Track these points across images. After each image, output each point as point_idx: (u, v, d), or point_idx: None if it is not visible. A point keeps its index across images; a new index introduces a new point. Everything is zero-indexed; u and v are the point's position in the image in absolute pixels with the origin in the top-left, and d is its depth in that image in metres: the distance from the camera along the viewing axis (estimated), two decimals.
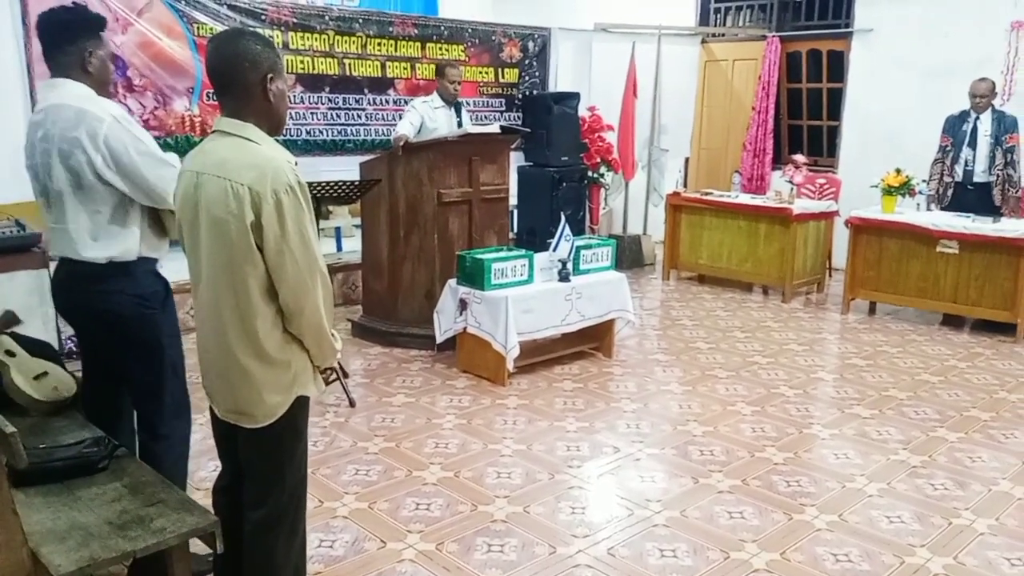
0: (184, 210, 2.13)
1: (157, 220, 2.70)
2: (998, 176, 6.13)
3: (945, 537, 3.18)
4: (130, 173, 2.55)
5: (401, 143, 5.24)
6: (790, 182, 7.13)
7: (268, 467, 2.24)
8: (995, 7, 7.06)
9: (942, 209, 6.29)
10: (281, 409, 2.16)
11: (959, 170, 6.24)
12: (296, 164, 2.09)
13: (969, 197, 6.21)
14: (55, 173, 2.56)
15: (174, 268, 2.83)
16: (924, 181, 6.35)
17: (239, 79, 2.06)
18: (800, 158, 7.33)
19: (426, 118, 5.65)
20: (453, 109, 5.82)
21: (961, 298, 5.97)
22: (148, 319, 2.68)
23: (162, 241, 2.77)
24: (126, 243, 2.62)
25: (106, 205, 2.58)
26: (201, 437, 3.89)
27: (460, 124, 5.81)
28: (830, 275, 7.46)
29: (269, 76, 2.07)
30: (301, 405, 2.22)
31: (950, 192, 6.31)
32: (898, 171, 6.27)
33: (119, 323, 2.64)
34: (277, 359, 2.12)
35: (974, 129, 6.13)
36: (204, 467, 3.63)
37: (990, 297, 5.85)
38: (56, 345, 4.17)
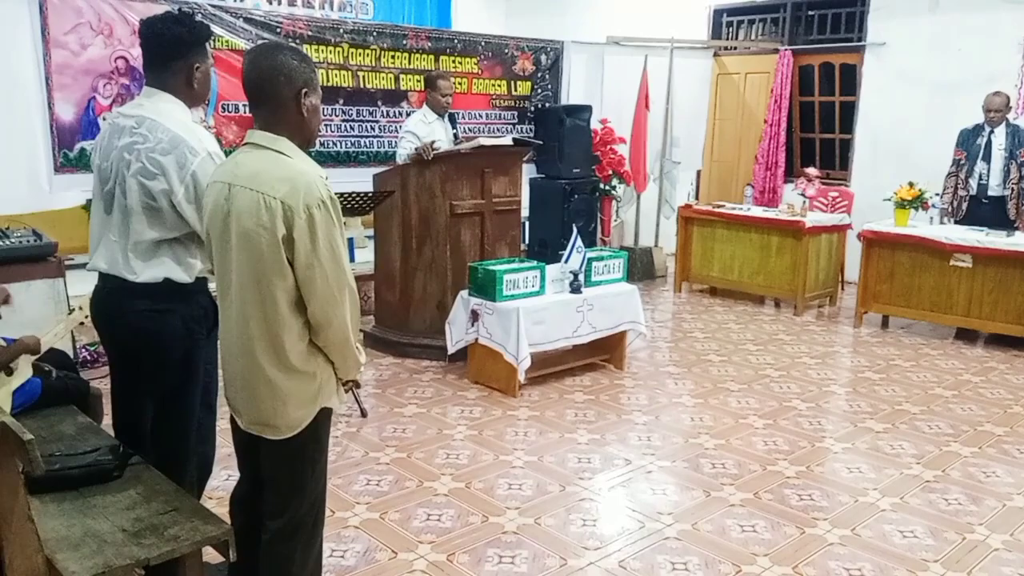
0: (213, 220, 2.13)
1: None
2: (1013, 190, 6.11)
3: (959, 552, 3.15)
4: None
5: (428, 152, 5.16)
6: (802, 195, 7.12)
7: (290, 478, 2.24)
8: (1007, 22, 7.04)
9: (956, 223, 6.27)
10: (305, 421, 2.17)
11: (973, 184, 6.22)
12: (327, 179, 2.10)
13: (984, 211, 6.19)
14: (130, 188, 2.46)
15: None
16: (937, 195, 6.34)
17: (274, 92, 2.07)
18: (812, 171, 7.33)
19: (424, 136, 5.46)
20: (447, 120, 5.73)
21: (975, 312, 5.94)
22: (193, 342, 2.57)
23: None
24: (186, 268, 2.53)
25: (175, 231, 2.49)
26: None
27: (456, 136, 5.74)
28: (842, 288, 7.43)
29: (304, 91, 2.09)
30: (324, 417, 2.23)
31: (964, 206, 6.28)
32: (911, 184, 6.26)
33: (161, 342, 2.52)
34: (302, 371, 2.13)
35: (988, 143, 6.12)
36: (216, 476, 3.63)
37: (1004, 311, 5.81)
38: (71, 354, 4.21)
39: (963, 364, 5.63)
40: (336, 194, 4.39)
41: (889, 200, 6.33)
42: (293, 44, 6.12)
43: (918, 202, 6.21)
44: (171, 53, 2.49)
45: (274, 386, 2.12)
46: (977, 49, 7.22)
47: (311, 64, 2.15)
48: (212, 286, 2.67)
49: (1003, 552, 3.16)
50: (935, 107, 7.46)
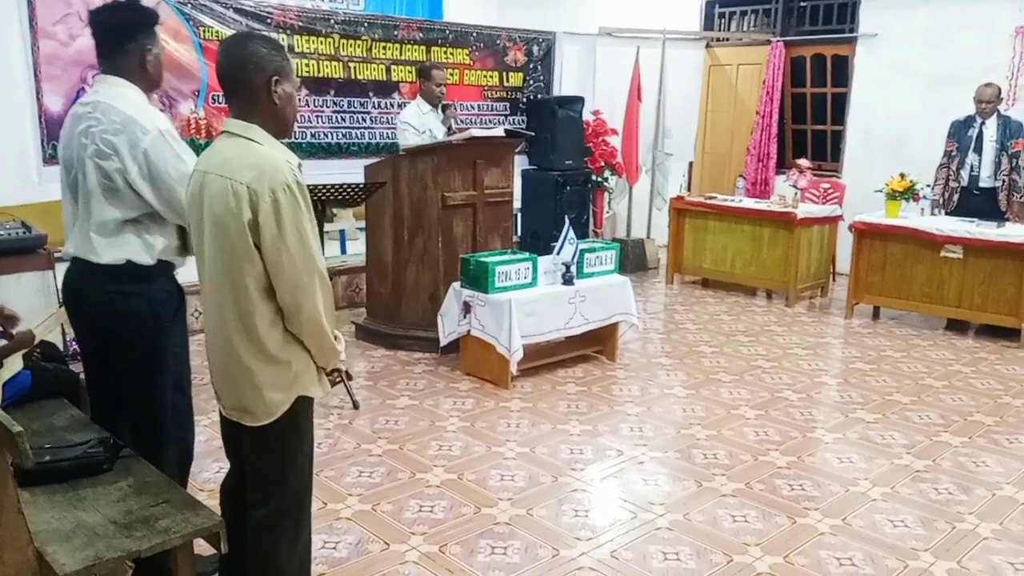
0: (192, 210, 2.16)
1: (183, 232, 2.66)
2: (1004, 181, 6.13)
3: (949, 541, 3.17)
4: (163, 190, 2.51)
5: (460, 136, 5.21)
6: (794, 186, 7.13)
7: (270, 466, 2.24)
8: (1000, 13, 7.05)
9: (947, 214, 6.28)
10: (282, 408, 2.17)
11: (964, 175, 6.23)
12: (299, 165, 2.11)
13: (975, 202, 6.21)
14: (88, 171, 2.53)
15: (181, 272, 2.82)
16: (928, 186, 6.35)
17: (245, 81, 2.09)
18: (804, 162, 7.34)
19: (420, 127, 5.51)
20: (441, 110, 5.75)
21: (965, 303, 5.97)
22: (159, 325, 2.63)
23: (185, 253, 2.73)
24: (148, 249, 2.58)
25: (133, 211, 2.54)
26: (205, 439, 3.91)
27: (450, 127, 5.75)
28: (834, 279, 7.46)
29: (274, 78, 2.10)
30: (304, 406, 2.22)
31: (955, 197, 6.29)
32: (903, 176, 6.28)
33: (128, 325, 2.59)
34: (278, 358, 2.13)
35: (979, 134, 6.13)
36: (208, 468, 3.64)
37: (994, 302, 5.84)
38: (60, 346, 4.19)
39: (953, 355, 5.65)
40: (328, 186, 4.37)
41: (880, 191, 6.35)
42: (282, 35, 6.13)
43: (909, 193, 6.23)
44: (123, 37, 2.55)
45: (251, 373, 2.13)
46: (969, 40, 7.23)
47: (283, 52, 2.16)
48: (179, 271, 2.74)
49: (992, 541, 3.18)
50: (927, 98, 7.47)
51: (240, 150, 2.08)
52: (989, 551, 3.11)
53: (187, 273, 2.64)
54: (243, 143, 2.09)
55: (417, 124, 5.49)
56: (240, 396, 2.17)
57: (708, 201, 7.36)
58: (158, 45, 2.63)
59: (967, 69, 6.99)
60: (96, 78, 2.65)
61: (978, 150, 6.14)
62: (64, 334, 4.47)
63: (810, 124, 8.81)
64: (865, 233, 6.36)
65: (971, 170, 6.20)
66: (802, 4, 8.67)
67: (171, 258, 2.67)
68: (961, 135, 6.22)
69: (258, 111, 2.11)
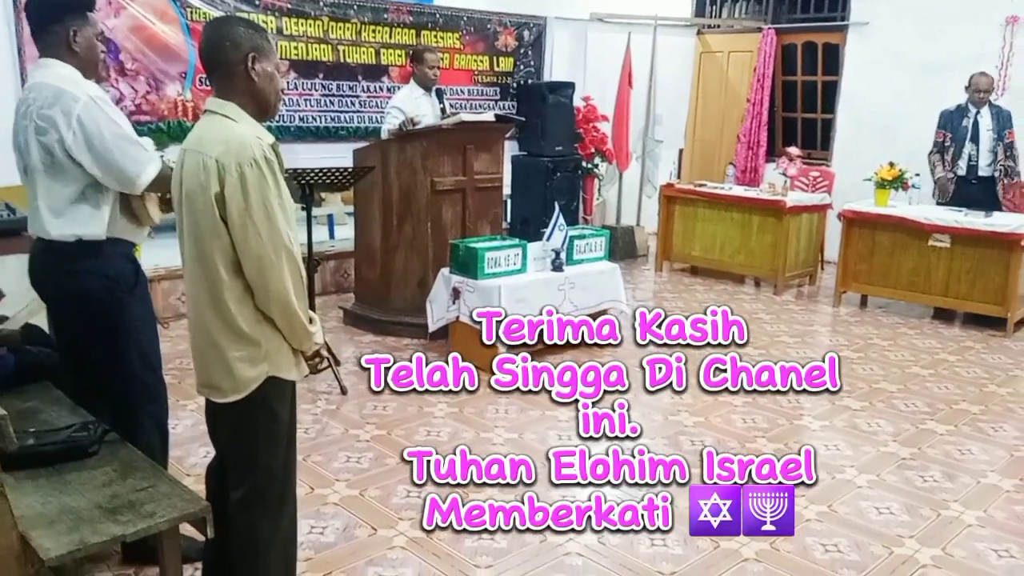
0: (174, 187, 2.17)
1: (131, 205, 2.68)
2: (1002, 170, 6.12)
3: (934, 528, 3.20)
4: (101, 154, 2.52)
5: (409, 125, 5.16)
6: (784, 174, 7.13)
7: (240, 446, 2.24)
8: (990, 2, 7.06)
9: (945, 204, 6.26)
10: (250, 385, 2.14)
11: (963, 165, 6.18)
12: (273, 143, 2.11)
13: (973, 191, 6.18)
14: (31, 150, 2.56)
15: (166, 255, 2.81)
16: (918, 175, 6.33)
17: (223, 60, 2.11)
18: (794, 151, 7.34)
19: (411, 111, 5.36)
20: (434, 95, 5.61)
21: (952, 292, 6.00)
22: (115, 301, 2.65)
23: (139, 227, 2.74)
24: (95, 223, 2.60)
25: (76, 184, 2.56)
26: (192, 423, 3.89)
27: (443, 111, 5.59)
28: (822, 268, 7.48)
29: (252, 56, 2.11)
30: (276, 386, 2.19)
31: (951, 187, 6.26)
32: (891, 165, 6.29)
33: (86, 303, 2.62)
34: (249, 336, 2.12)
35: (975, 124, 6.10)
36: (194, 453, 3.63)
37: (981, 291, 5.87)
38: (48, 328, 4.15)
39: (940, 343, 5.69)
40: (316, 170, 4.32)
41: (869, 180, 6.36)
42: (271, 17, 6.07)
43: (898, 182, 6.24)
44: (49, 19, 2.58)
45: (219, 348, 2.12)
46: (960, 29, 7.23)
47: (262, 32, 2.18)
48: (135, 248, 2.75)
49: (977, 528, 3.21)
50: (917, 87, 7.48)
51: (214, 126, 2.10)
52: (973, 538, 3.13)
53: (170, 258, 2.62)
54: (218, 119, 2.11)
55: (408, 109, 5.37)
56: (209, 372, 2.17)
57: (698, 189, 7.35)
58: (91, 28, 2.64)
59: (957, 58, 6.99)
60: (32, 64, 2.71)
61: (975, 139, 6.10)
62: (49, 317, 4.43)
63: (800, 112, 8.81)
64: (854, 222, 6.37)
65: (969, 160, 6.16)
66: None
67: (125, 236, 2.69)
68: (955, 125, 6.17)
69: (236, 89, 2.13)
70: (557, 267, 4.95)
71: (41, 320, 4.06)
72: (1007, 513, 3.34)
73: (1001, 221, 5.76)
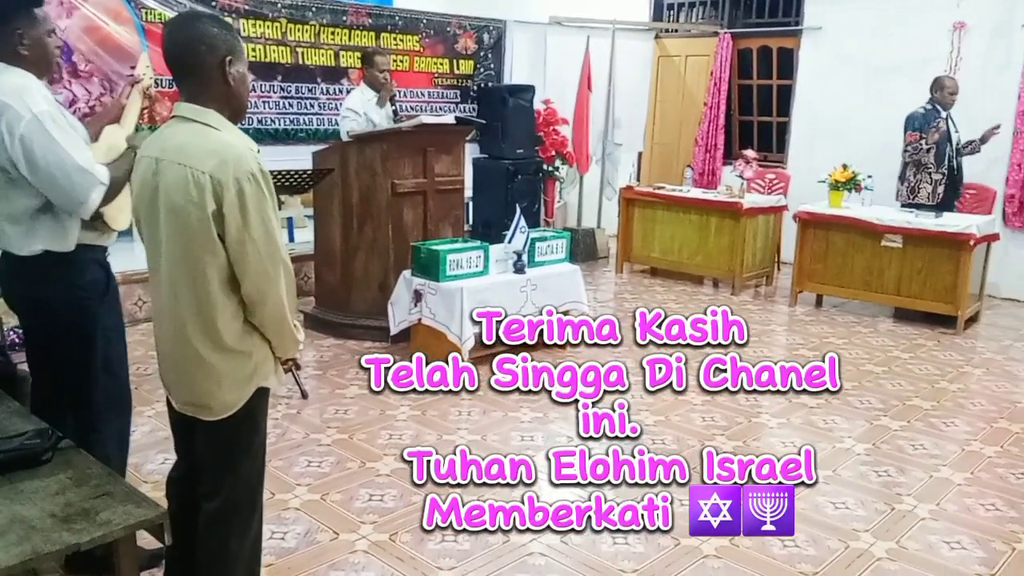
0: (141, 196, 2.07)
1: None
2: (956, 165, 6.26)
3: (888, 522, 3.27)
4: (43, 179, 2.40)
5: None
6: (740, 177, 7.22)
7: (224, 459, 2.20)
8: (939, 8, 7.23)
9: (950, 209, 6.23)
10: (240, 402, 2.12)
11: (945, 168, 6.20)
12: (259, 151, 2.05)
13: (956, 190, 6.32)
14: None
15: (121, 259, 2.76)
16: (870, 177, 6.42)
17: (197, 63, 2.00)
18: (750, 153, 7.43)
19: (364, 113, 5.37)
20: (388, 100, 5.56)
21: (904, 291, 6.13)
22: (84, 310, 2.58)
23: (106, 233, 2.66)
24: (60, 237, 2.50)
25: (36, 198, 2.46)
26: (149, 430, 3.84)
27: (396, 114, 5.57)
28: (778, 268, 7.59)
29: (228, 59, 2.02)
30: (260, 397, 2.18)
31: (940, 190, 6.21)
32: (845, 167, 6.41)
33: (55, 312, 2.54)
34: (237, 350, 2.08)
35: (946, 127, 6.12)
36: (152, 460, 3.57)
37: (932, 290, 6.01)
38: None
39: (893, 341, 5.81)
40: (274, 172, 4.28)
41: (824, 182, 6.47)
42: (228, 18, 5.99)
43: (851, 184, 6.36)
44: None
45: (208, 366, 2.07)
46: (910, 34, 7.40)
47: (233, 32, 2.09)
48: (106, 252, 2.68)
49: (930, 521, 3.29)
50: (870, 91, 7.64)
51: (197, 136, 2.00)
52: (927, 531, 3.21)
53: (126, 262, 2.58)
54: (198, 128, 2.01)
55: (361, 111, 5.37)
56: (195, 391, 2.12)
57: (657, 191, 7.43)
58: (40, 26, 2.51)
59: (907, 62, 7.17)
60: None
61: (948, 140, 6.14)
62: (1, 325, 4.33)
63: (756, 115, 8.94)
64: (809, 223, 6.49)
65: (948, 160, 6.18)
66: None
67: (94, 241, 2.60)
68: (930, 128, 6.08)
69: (211, 94, 2.03)
70: (519, 269, 4.97)
71: None
72: (958, 506, 3.42)
73: (951, 221, 5.91)
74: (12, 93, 2.40)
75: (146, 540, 2.38)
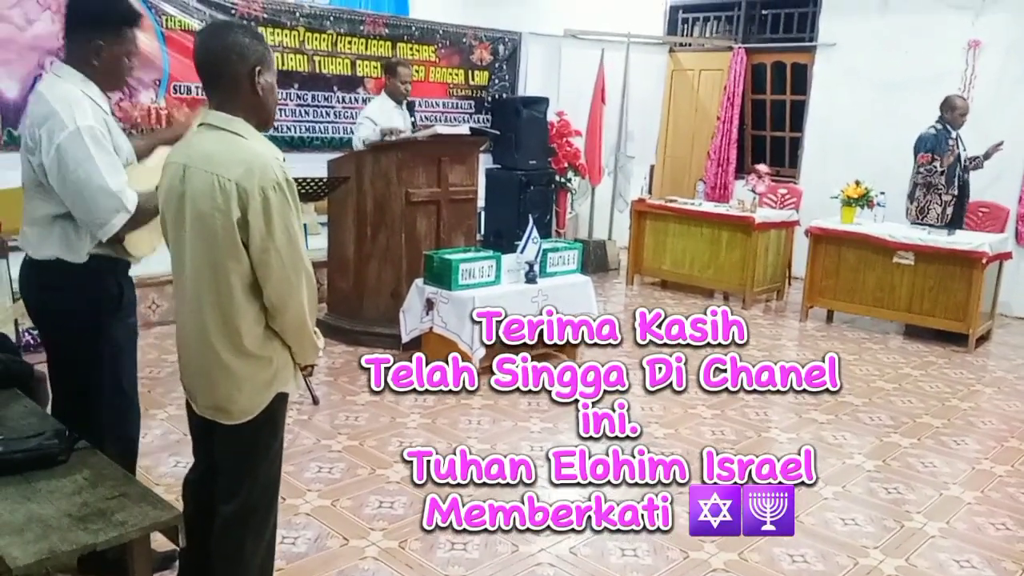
0: (168, 202, 2.10)
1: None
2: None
3: (897, 539, 3.26)
4: (70, 191, 2.39)
5: (395, 134, 5.18)
6: (752, 191, 7.23)
7: (242, 462, 2.22)
8: (954, 26, 7.24)
9: (959, 228, 6.21)
10: (260, 407, 2.15)
11: (956, 186, 6.18)
12: (284, 160, 2.07)
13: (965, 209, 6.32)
14: (23, 165, 2.47)
15: (135, 265, 2.75)
16: (883, 193, 6.43)
17: (227, 72, 2.03)
18: (763, 168, 7.44)
19: (383, 123, 5.40)
20: (405, 108, 5.70)
21: (916, 308, 6.12)
22: (95, 322, 2.54)
23: (123, 256, 2.61)
24: (74, 248, 2.49)
25: (60, 207, 2.44)
26: (161, 433, 3.87)
27: (414, 124, 5.67)
28: (789, 283, 7.59)
29: (257, 69, 2.05)
30: (280, 401, 2.21)
31: (950, 211, 6.19)
32: (858, 183, 6.41)
33: (66, 321, 2.53)
34: (258, 355, 2.11)
35: (957, 146, 6.10)
36: (164, 463, 3.60)
37: (943, 307, 6.00)
38: (13, 337, 4.10)
39: (903, 358, 5.79)
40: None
41: (836, 198, 6.47)
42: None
43: (864, 200, 6.36)
44: (79, 27, 2.46)
45: (229, 371, 2.09)
46: (924, 51, 7.41)
47: (264, 42, 2.11)
48: (127, 267, 2.63)
49: (939, 539, 3.28)
50: (883, 107, 7.64)
51: (224, 144, 2.02)
52: (936, 549, 3.20)
53: (149, 266, 2.59)
54: (227, 136, 2.03)
55: (380, 120, 5.41)
56: (216, 395, 2.14)
57: (668, 204, 7.44)
58: (123, 45, 2.48)
59: (920, 79, 7.17)
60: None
61: (959, 161, 6.11)
62: (16, 325, 4.38)
63: (769, 130, 8.95)
64: (820, 238, 6.49)
65: (959, 180, 6.16)
66: (764, 12, 8.81)
67: (116, 255, 2.55)
68: (943, 148, 6.05)
69: (240, 103, 2.06)
70: (531, 279, 4.99)
71: (9, 329, 4.03)
72: (968, 524, 3.42)
73: (963, 239, 5.90)
74: (63, 101, 2.39)
75: (157, 542, 2.41)
